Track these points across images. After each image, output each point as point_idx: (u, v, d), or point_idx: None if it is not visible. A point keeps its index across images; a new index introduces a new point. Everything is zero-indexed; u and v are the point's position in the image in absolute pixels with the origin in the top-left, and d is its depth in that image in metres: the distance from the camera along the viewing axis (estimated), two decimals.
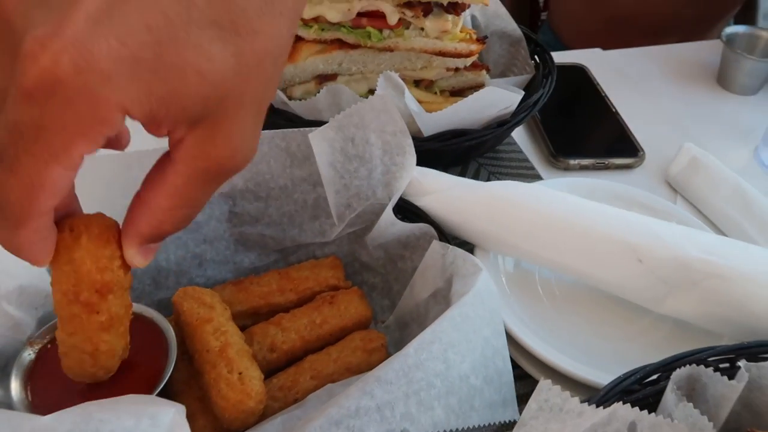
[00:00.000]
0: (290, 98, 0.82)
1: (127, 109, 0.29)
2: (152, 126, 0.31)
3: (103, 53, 0.27)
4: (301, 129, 0.62)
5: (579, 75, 1.04)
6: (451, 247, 0.57)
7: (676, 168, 0.84)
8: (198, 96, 0.31)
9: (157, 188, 0.34)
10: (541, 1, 1.95)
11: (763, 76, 1.02)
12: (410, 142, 0.60)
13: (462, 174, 0.85)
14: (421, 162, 0.64)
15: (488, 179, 0.85)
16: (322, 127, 0.59)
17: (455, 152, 0.77)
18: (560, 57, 1.12)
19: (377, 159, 0.61)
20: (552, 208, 0.60)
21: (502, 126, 0.75)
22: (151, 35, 0.28)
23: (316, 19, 0.78)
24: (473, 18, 0.92)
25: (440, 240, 0.59)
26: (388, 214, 0.59)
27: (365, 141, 0.60)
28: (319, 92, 0.75)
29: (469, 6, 0.76)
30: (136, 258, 0.38)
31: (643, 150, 0.88)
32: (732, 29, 1.05)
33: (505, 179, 0.84)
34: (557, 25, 1.64)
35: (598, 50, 1.17)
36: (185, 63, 0.29)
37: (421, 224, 0.60)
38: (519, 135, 0.93)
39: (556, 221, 0.59)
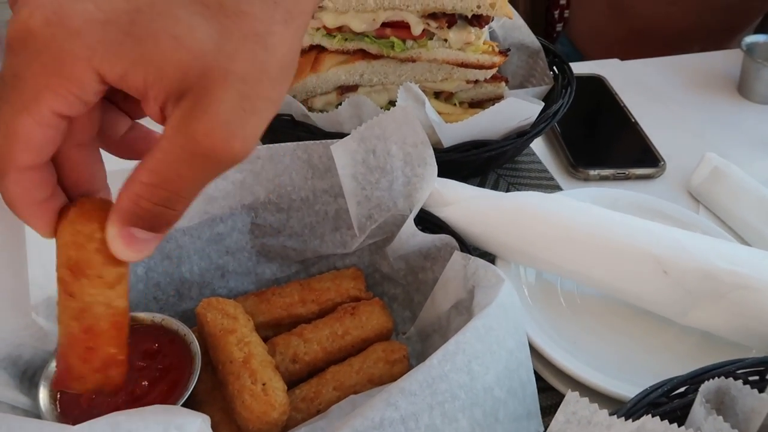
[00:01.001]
0: (311, 109, 0.82)
1: (98, 69, 0.30)
2: (140, 97, 0.32)
3: (77, 13, 0.30)
4: (323, 141, 0.62)
5: (597, 85, 1.03)
6: (472, 257, 0.57)
7: (697, 178, 0.83)
8: (174, 62, 0.31)
9: (142, 164, 0.34)
10: (556, 13, 1.95)
11: None
12: (431, 153, 0.60)
13: (481, 185, 0.85)
14: (441, 173, 0.64)
15: (507, 190, 0.85)
16: (344, 138, 0.60)
17: (475, 163, 0.77)
18: (578, 68, 1.12)
19: (398, 170, 0.61)
20: (574, 218, 0.60)
21: (521, 137, 0.75)
22: (129, 4, 0.30)
23: (340, 29, 0.79)
24: (492, 31, 0.93)
25: (462, 251, 0.59)
26: (409, 225, 0.59)
27: (387, 152, 0.60)
28: (340, 104, 0.76)
29: (493, 19, 0.76)
30: (116, 242, 0.35)
31: (663, 160, 0.87)
32: (752, 38, 1.04)
33: (524, 190, 0.84)
34: (576, 36, 1.64)
35: (615, 60, 1.16)
36: (161, 29, 0.30)
37: (443, 235, 0.60)
38: (538, 146, 0.93)
39: (578, 232, 0.59)
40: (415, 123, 0.59)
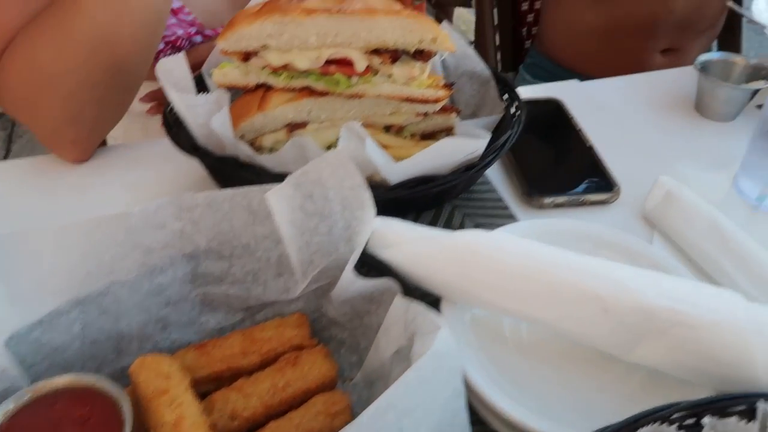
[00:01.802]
0: (260, 148, 0.82)
1: None
2: None
3: None
4: (262, 186, 0.61)
5: (554, 109, 1.03)
6: (413, 302, 0.56)
7: (651, 203, 0.83)
8: None
9: None
10: (524, 31, 1.98)
11: (740, 102, 1.02)
12: (369, 195, 0.59)
13: (436, 216, 0.85)
14: (392, 209, 0.63)
15: (462, 221, 0.84)
16: (279, 185, 0.59)
17: (425, 199, 0.77)
18: (536, 91, 1.12)
19: (338, 214, 0.60)
20: (516, 258, 0.59)
21: (470, 170, 0.75)
22: None
23: (285, 67, 0.78)
24: (444, 60, 0.92)
25: (403, 295, 0.58)
26: (349, 272, 0.59)
27: (324, 197, 0.60)
28: (288, 141, 0.76)
29: (436, 53, 0.76)
30: None
31: (618, 185, 0.87)
32: (706, 56, 1.05)
33: (479, 220, 0.84)
34: (550, 42, 1.69)
35: (574, 81, 1.17)
36: None
37: (384, 279, 0.60)
38: (494, 173, 0.92)
39: (520, 272, 0.58)
40: (350, 166, 0.58)
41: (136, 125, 1.30)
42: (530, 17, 1.95)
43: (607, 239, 0.71)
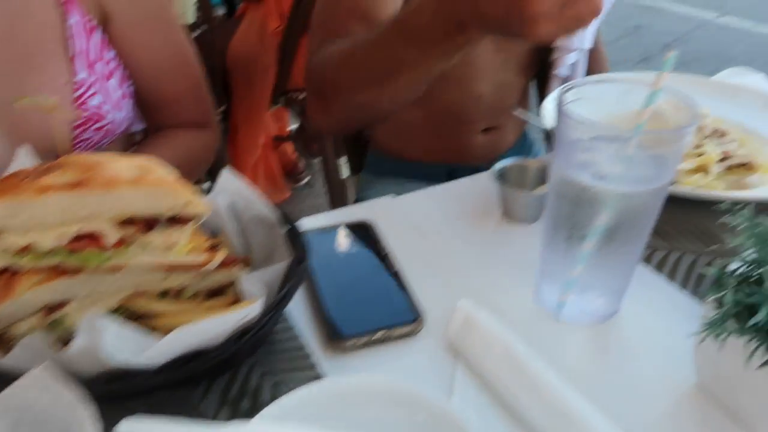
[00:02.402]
0: (12, 339, 0.72)
1: None
2: None
3: None
4: None
5: (363, 234, 1.01)
6: None
7: (452, 330, 0.81)
8: None
9: None
10: (367, 134, 2.03)
11: (539, 205, 1.05)
12: (88, 414, 0.51)
13: (233, 377, 0.77)
14: (174, 385, 0.55)
15: (261, 378, 0.78)
16: None
17: (203, 373, 0.70)
18: (349, 212, 1.11)
19: None
20: None
21: (243, 337, 0.69)
22: None
23: (29, 248, 0.70)
24: (234, 203, 0.88)
25: None
26: None
27: (36, 421, 0.51)
28: (53, 322, 0.68)
29: (193, 218, 0.72)
30: None
31: (420, 314, 0.84)
32: (502, 163, 1.08)
33: (279, 377, 0.78)
34: (383, 141, 1.77)
35: (388, 198, 1.16)
36: None
37: None
38: (300, 315, 0.87)
39: None
40: (60, 385, 0.50)
41: None
42: None
43: (399, 394, 0.67)
